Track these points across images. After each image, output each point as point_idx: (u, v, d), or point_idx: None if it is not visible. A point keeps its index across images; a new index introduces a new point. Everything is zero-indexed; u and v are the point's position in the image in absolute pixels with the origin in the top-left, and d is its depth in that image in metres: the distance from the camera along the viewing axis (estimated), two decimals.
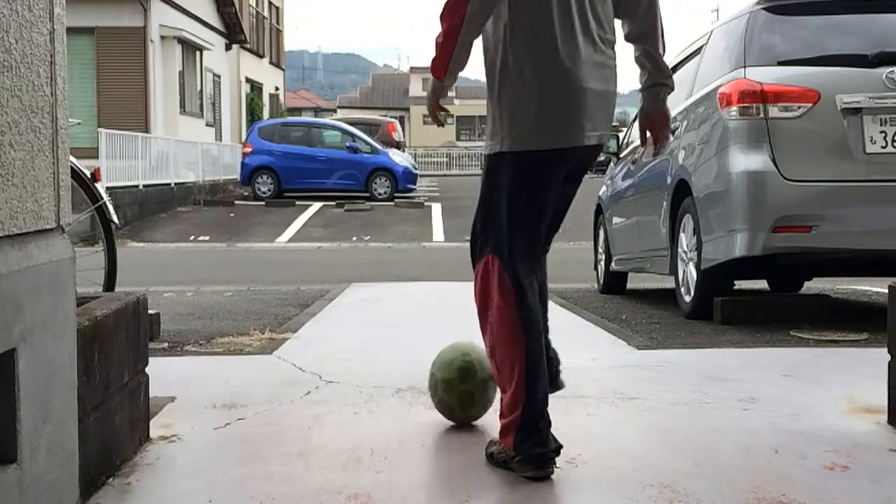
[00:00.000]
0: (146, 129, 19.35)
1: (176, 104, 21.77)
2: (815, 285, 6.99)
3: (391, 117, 31.68)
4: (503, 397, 2.41)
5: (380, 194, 20.32)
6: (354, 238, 15.09)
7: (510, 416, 2.35)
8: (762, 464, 2.43)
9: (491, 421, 2.90)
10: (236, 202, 19.95)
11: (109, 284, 4.45)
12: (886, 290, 2.82)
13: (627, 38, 2.58)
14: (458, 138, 52.57)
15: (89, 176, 4.50)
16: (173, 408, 3.08)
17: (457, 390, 2.86)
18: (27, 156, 1.86)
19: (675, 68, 6.44)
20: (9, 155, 1.78)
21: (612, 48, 2.51)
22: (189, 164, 20.33)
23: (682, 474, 2.33)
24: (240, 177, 21.13)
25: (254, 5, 31.39)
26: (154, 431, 2.71)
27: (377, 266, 10.75)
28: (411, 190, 21.14)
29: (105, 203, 4.53)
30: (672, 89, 2.59)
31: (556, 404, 3.13)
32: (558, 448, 2.37)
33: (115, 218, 4.60)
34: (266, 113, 31.57)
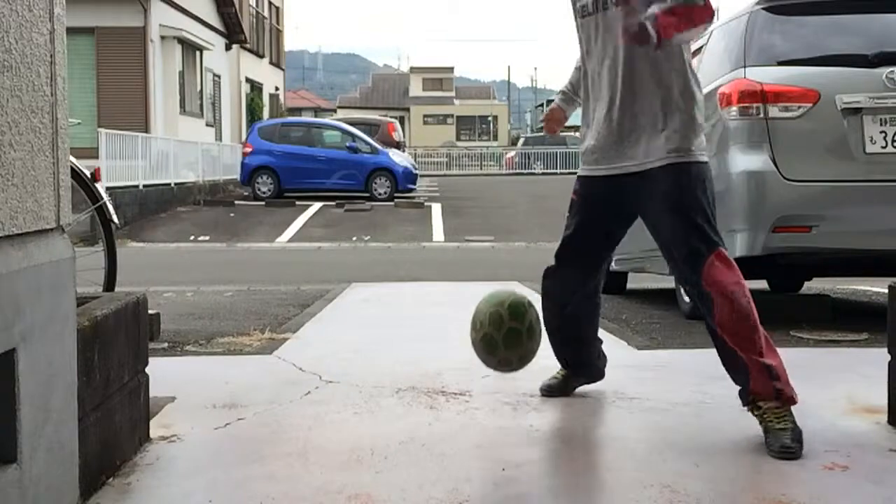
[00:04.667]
0: (146, 129, 19.35)
1: (176, 104, 21.77)
2: (815, 285, 6.99)
3: (391, 117, 31.67)
4: None
5: (380, 194, 20.32)
6: (354, 238, 15.09)
7: None
8: (762, 464, 2.43)
9: (492, 421, 2.90)
10: (236, 202, 19.94)
11: (109, 284, 4.44)
12: (886, 290, 2.82)
13: None
14: (458, 138, 52.60)
15: (89, 176, 4.50)
16: (173, 408, 3.08)
17: (505, 327, 2.95)
18: (27, 156, 1.86)
19: None
20: (9, 155, 1.78)
21: None
22: (189, 164, 20.33)
23: (683, 474, 2.33)
24: (240, 177, 21.12)
25: (254, 5, 31.39)
26: (154, 431, 2.71)
27: (377, 266, 10.75)
28: (411, 190, 21.14)
29: (105, 203, 4.52)
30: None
31: (556, 404, 3.14)
32: None
33: (115, 218, 4.60)
34: (266, 113, 31.57)
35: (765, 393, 2.61)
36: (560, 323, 3.17)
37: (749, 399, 2.65)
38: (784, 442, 2.49)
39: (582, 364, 3.28)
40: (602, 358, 3.33)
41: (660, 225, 2.77)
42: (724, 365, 2.72)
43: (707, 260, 2.62)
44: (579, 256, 3.07)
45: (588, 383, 3.29)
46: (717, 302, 2.61)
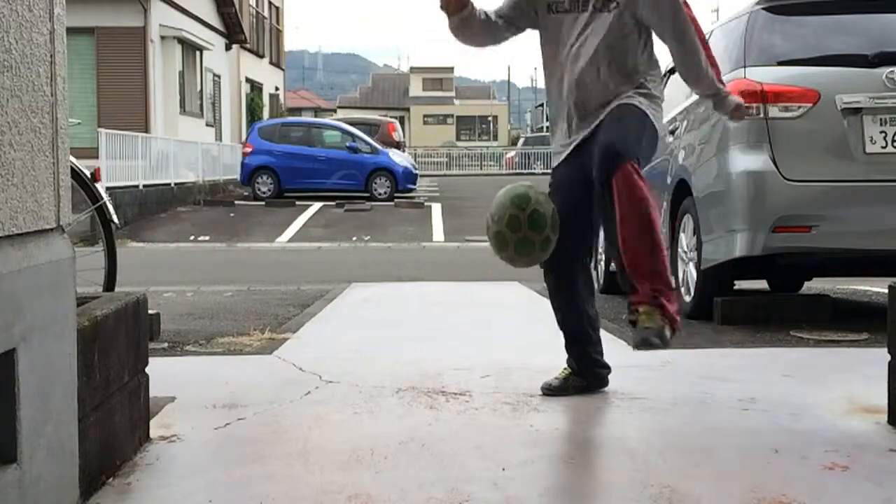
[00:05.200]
0: (146, 129, 19.34)
1: (176, 104, 21.76)
2: (815, 285, 6.99)
3: (391, 117, 31.67)
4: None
5: (380, 194, 20.32)
6: (354, 238, 15.09)
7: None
8: (762, 464, 2.43)
9: (492, 421, 2.90)
10: (236, 202, 19.94)
11: (109, 284, 4.44)
12: (886, 290, 2.82)
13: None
14: (458, 138, 52.59)
15: (89, 176, 4.50)
16: (173, 408, 3.08)
17: (520, 234, 3.03)
18: (27, 156, 1.86)
19: (675, 68, 6.44)
20: (9, 155, 1.78)
21: None
22: (189, 164, 20.33)
23: (683, 474, 2.33)
24: (240, 177, 21.12)
25: (254, 5, 31.39)
26: (154, 431, 2.71)
27: (377, 266, 10.75)
28: (411, 190, 21.14)
29: (105, 203, 4.52)
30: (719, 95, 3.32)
31: (556, 404, 3.14)
32: None
33: (115, 218, 4.60)
34: (266, 113, 31.56)
35: (647, 300, 2.87)
36: (564, 304, 3.29)
37: (633, 307, 2.92)
38: (646, 336, 2.81)
39: (586, 365, 3.31)
40: (606, 368, 3.36)
41: (593, 143, 3.02)
42: (624, 269, 2.93)
43: (621, 167, 2.85)
44: (567, 227, 3.11)
45: (589, 390, 3.29)
46: (623, 205, 2.85)
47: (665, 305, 2.88)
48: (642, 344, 2.86)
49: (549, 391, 3.25)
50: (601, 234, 7.49)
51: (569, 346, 3.35)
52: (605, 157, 2.89)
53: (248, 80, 30.40)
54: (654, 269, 2.88)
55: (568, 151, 3.19)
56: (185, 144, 20.42)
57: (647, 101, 3.11)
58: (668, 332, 2.88)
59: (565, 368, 3.34)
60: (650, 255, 2.88)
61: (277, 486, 2.26)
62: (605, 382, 3.34)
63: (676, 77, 6.31)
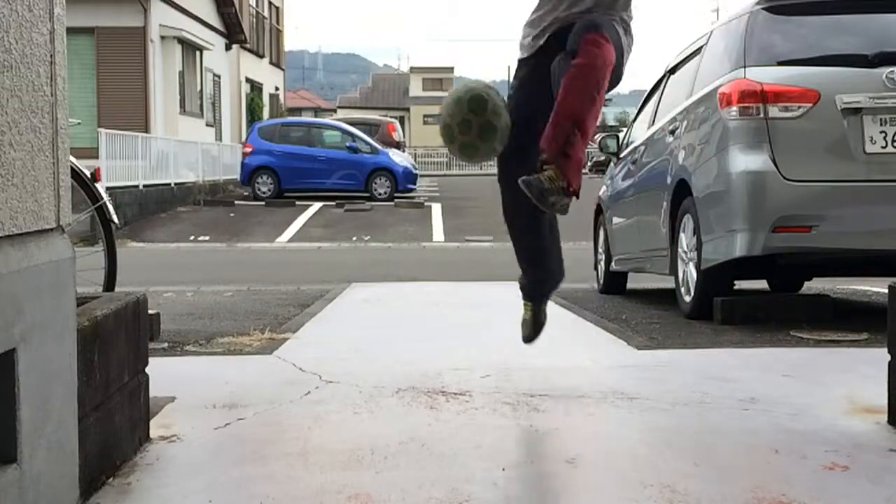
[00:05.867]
0: (146, 129, 19.35)
1: (176, 104, 21.77)
2: (815, 285, 6.99)
3: (391, 117, 31.69)
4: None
5: (380, 194, 20.33)
6: (354, 238, 15.10)
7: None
8: (762, 464, 2.43)
9: (492, 421, 2.90)
10: (236, 202, 19.95)
11: (109, 284, 4.45)
12: (886, 290, 2.82)
13: None
14: None
15: (89, 176, 4.50)
16: (173, 408, 3.08)
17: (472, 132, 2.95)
18: (27, 156, 1.86)
19: (675, 68, 6.44)
20: (9, 155, 1.78)
21: None
22: (189, 164, 20.34)
23: (683, 474, 2.33)
24: (240, 177, 21.13)
25: (254, 5, 31.39)
26: (154, 431, 2.71)
27: (377, 266, 10.75)
28: (411, 190, 21.15)
29: (105, 203, 4.52)
30: None
31: (556, 404, 3.14)
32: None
33: (115, 218, 4.60)
34: (266, 113, 31.57)
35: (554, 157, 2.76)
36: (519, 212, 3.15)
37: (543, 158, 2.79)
38: (539, 186, 2.70)
39: (539, 273, 3.30)
40: (560, 265, 3.32)
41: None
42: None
43: (588, 32, 2.77)
44: (524, 117, 3.03)
45: (550, 295, 3.35)
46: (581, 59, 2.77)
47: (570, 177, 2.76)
48: (529, 188, 2.73)
49: (530, 337, 3.37)
50: (601, 235, 7.43)
51: (523, 254, 3.31)
52: (584, 26, 2.81)
53: (248, 80, 30.40)
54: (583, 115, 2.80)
55: (542, 41, 3.05)
56: (185, 144, 20.43)
57: (624, 36, 3.01)
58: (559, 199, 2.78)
59: (525, 303, 3.38)
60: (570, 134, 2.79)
61: (277, 486, 2.26)
62: (561, 276, 3.33)
63: (676, 77, 6.34)
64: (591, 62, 2.76)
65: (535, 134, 2.89)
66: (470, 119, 2.94)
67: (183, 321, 5.55)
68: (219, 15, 25.88)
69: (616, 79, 3.00)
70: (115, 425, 2.35)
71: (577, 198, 2.81)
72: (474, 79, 3.16)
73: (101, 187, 4.58)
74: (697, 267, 5.18)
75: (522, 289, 3.39)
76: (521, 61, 3.23)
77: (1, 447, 1.75)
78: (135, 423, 2.52)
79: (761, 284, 6.77)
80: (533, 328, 3.37)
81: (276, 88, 35.19)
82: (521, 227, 3.24)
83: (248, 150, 20.71)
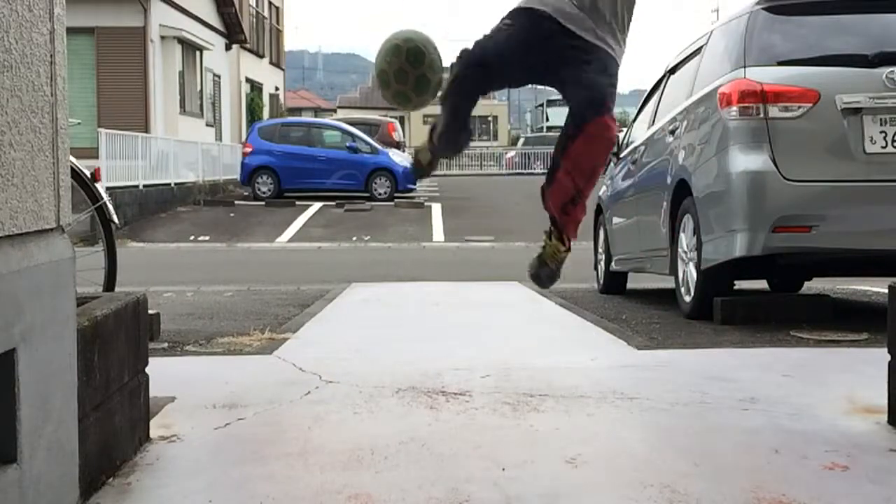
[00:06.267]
0: (146, 129, 19.35)
1: (176, 104, 21.77)
2: (815, 285, 6.99)
3: (391, 117, 31.66)
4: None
5: (380, 194, 20.32)
6: (354, 238, 15.10)
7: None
8: (762, 464, 2.43)
9: (492, 421, 2.90)
10: (236, 202, 19.95)
11: (109, 284, 4.45)
12: (886, 290, 2.82)
13: None
14: None
15: (89, 176, 4.50)
16: (173, 408, 3.08)
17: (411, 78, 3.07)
18: (27, 156, 1.86)
19: (676, 68, 6.44)
20: (9, 155, 1.78)
21: None
22: (189, 164, 20.34)
23: (683, 474, 2.33)
24: (240, 177, 21.12)
25: (254, 5, 31.39)
26: (154, 431, 2.71)
27: (377, 266, 10.75)
28: (411, 190, 21.14)
29: (105, 203, 4.52)
30: None
31: (556, 404, 3.14)
32: None
33: (115, 218, 4.60)
34: (266, 113, 31.57)
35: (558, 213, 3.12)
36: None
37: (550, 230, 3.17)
38: (539, 272, 3.13)
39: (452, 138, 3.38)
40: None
41: (569, 81, 3.06)
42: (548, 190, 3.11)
43: (601, 113, 2.94)
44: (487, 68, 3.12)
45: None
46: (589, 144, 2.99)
47: (565, 242, 3.16)
48: (534, 278, 3.18)
49: (419, 176, 3.59)
50: (601, 235, 7.47)
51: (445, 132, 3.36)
52: (594, 106, 2.96)
53: (248, 80, 30.40)
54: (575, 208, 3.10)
55: (546, 21, 3.07)
56: (185, 144, 20.43)
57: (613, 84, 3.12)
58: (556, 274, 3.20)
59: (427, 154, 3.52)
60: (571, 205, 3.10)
61: (277, 486, 2.26)
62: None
63: (676, 77, 6.34)
64: (598, 146, 2.99)
65: (495, 72, 3.11)
66: (407, 70, 3.06)
67: (183, 321, 5.55)
68: (219, 15, 25.88)
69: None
70: (115, 425, 2.35)
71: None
72: (414, 29, 3.17)
73: (101, 187, 4.58)
74: (697, 267, 5.18)
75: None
76: (520, 11, 3.17)
77: (1, 447, 1.75)
78: (135, 423, 2.52)
79: (761, 284, 6.77)
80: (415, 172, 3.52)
81: (276, 88, 35.19)
82: (450, 136, 3.36)
83: (248, 150, 20.71)
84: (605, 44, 3.07)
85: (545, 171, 3.30)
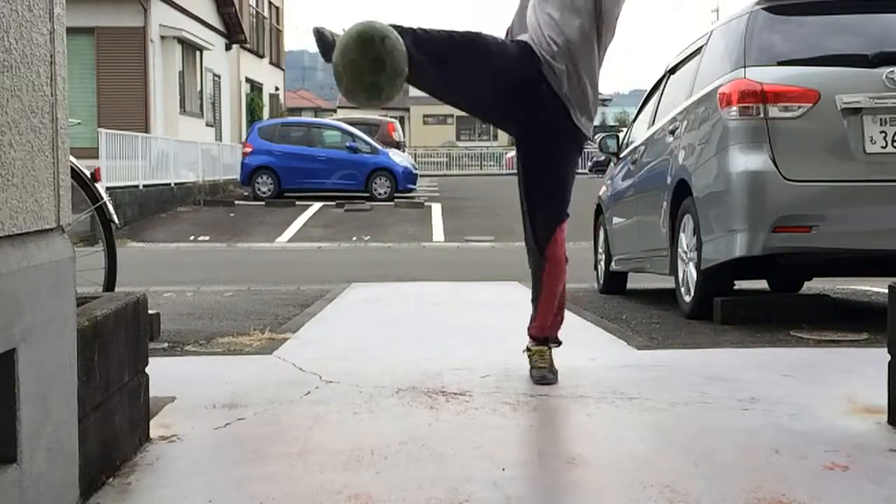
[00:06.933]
0: (146, 129, 19.35)
1: (176, 104, 21.77)
2: (815, 285, 6.99)
3: (391, 117, 31.67)
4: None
5: (380, 194, 20.32)
6: (354, 238, 15.10)
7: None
8: (762, 464, 2.43)
9: (492, 421, 2.90)
10: (236, 202, 19.95)
11: (109, 284, 4.45)
12: (886, 290, 2.82)
13: None
14: (458, 138, 52.57)
15: (89, 176, 4.50)
16: (173, 408, 3.08)
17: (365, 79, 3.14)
18: (27, 156, 1.86)
19: (676, 68, 6.44)
20: (9, 155, 1.78)
21: None
22: (189, 164, 20.34)
23: (683, 474, 2.33)
24: (240, 177, 21.12)
25: (254, 5, 31.39)
26: (154, 431, 2.71)
27: (377, 266, 10.75)
28: (411, 190, 21.14)
29: (105, 203, 4.52)
30: None
31: (556, 404, 3.14)
32: None
33: (115, 218, 4.60)
34: (266, 113, 31.57)
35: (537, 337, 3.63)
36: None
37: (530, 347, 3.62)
38: (543, 374, 3.46)
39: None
40: None
41: (537, 157, 3.82)
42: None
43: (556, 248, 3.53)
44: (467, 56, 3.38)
45: None
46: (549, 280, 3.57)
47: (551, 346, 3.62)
48: (541, 381, 3.44)
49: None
50: (601, 235, 7.54)
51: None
52: (545, 227, 3.54)
53: (248, 80, 30.40)
54: (555, 326, 3.65)
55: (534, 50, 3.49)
56: (185, 144, 20.43)
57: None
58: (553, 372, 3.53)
59: None
60: (556, 316, 3.64)
61: (277, 486, 2.26)
62: None
63: (676, 77, 6.34)
64: (557, 272, 3.52)
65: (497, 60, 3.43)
66: (369, 79, 3.09)
67: (183, 321, 5.55)
68: (219, 15, 25.88)
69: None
70: (115, 425, 2.35)
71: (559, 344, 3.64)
72: (379, 25, 3.15)
73: (101, 187, 4.58)
74: (697, 267, 5.18)
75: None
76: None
77: (1, 447, 1.75)
78: (135, 423, 2.52)
79: (761, 284, 6.77)
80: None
81: (276, 88, 35.19)
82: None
83: (248, 150, 20.71)
84: (580, 118, 3.51)
85: None
